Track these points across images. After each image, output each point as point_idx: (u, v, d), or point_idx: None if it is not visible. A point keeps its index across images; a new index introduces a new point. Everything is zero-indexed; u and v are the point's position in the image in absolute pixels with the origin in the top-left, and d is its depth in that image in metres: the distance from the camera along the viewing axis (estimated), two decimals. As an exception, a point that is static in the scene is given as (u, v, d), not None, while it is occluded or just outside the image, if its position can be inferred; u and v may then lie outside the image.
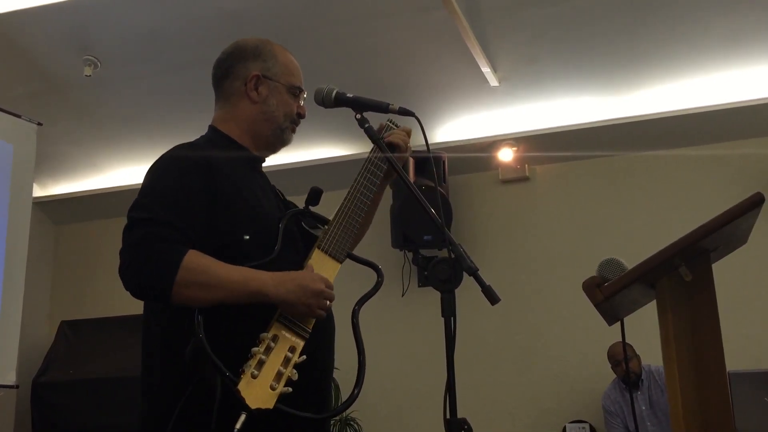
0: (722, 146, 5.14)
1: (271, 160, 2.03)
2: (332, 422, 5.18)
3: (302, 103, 1.97)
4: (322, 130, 5.38)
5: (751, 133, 5.08)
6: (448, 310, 1.78)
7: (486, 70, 4.77)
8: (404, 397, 5.39)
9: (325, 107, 1.98)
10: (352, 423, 5.21)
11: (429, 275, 1.82)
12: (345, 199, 1.86)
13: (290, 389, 1.58)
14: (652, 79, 4.88)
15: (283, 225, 1.77)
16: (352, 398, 1.73)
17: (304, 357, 1.64)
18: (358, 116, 1.93)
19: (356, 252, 1.98)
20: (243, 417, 1.50)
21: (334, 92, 1.95)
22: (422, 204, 1.85)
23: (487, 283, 1.74)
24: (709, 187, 5.08)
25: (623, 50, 4.69)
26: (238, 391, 1.51)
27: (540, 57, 4.79)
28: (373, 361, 6.08)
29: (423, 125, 1.89)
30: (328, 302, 1.71)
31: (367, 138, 1.94)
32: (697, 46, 4.60)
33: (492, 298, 1.73)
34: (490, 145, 5.38)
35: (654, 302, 1.94)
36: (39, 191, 6.10)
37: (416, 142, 5.89)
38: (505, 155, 5.40)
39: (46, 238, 6.34)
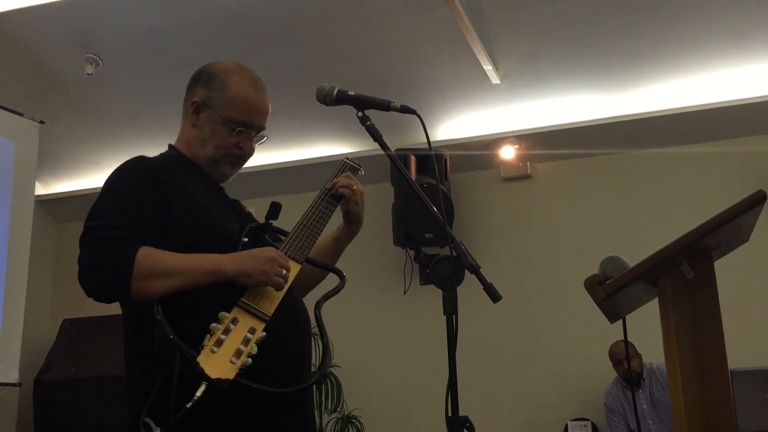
0: (724, 144, 5.14)
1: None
2: (335, 420, 5.18)
3: (250, 140, 1.92)
4: (323, 128, 5.38)
5: (753, 131, 5.07)
6: (450, 308, 1.77)
7: (488, 67, 4.77)
8: (406, 395, 5.39)
9: (327, 105, 1.98)
10: (353, 421, 5.21)
11: (430, 273, 1.81)
12: (301, 218, 1.91)
13: (250, 360, 1.60)
14: (654, 77, 4.88)
15: (243, 238, 1.81)
16: (320, 373, 1.79)
17: (264, 334, 1.66)
18: (360, 114, 1.93)
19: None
20: (203, 386, 1.54)
21: (336, 90, 1.95)
22: (424, 202, 1.85)
23: (489, 281, 1.74)
24: (711, 185, 5.07)
25: (625, 48, 4.69)
26: (197, 363, 1.54)
27: (541, 55, 4.79)
28: (375, 359, 6.07)
29: (425, 123, 1.89)
30: (284, 271, 1.72)
31: (369, 136, 1.95)
32: (698, 43, 4.60)
33: (494, 296, 1.73)
34: (492, 142, 5.38)
35: (656, 300, 1.94)
36: (41, 189, 6.11)
37: (418, 140, 5.87)
38: (507, 153, 5.40)
39: (48, 236, 6.35)
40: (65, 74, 5.10)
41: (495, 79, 4.89)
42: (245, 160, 1.96)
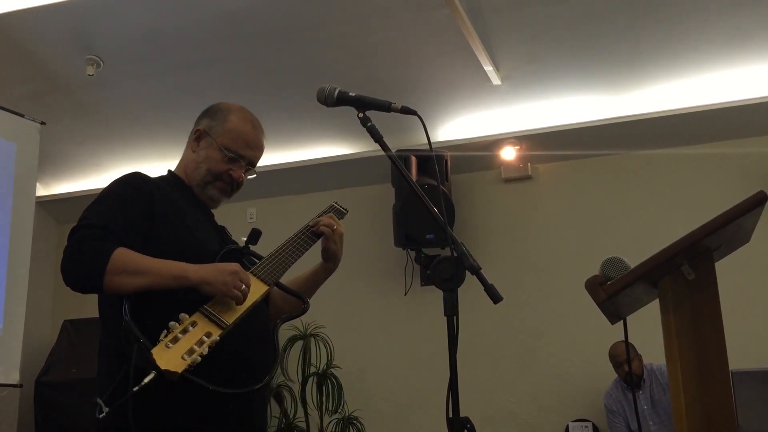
0: (725, 145, 5.14)
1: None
2: (336, 421, 5.18)
3: (242, 172, 2.08)
4: (324, 129, 5.38)
5: (754, 132, 5.07)
6: (451, 309, 1.78)
7: (488, 68, 4.77)
8: (406, 396, 5.39)
9: (327, 106, 1.99)
10: (354, 422, 5.21)
11: (431, 274, 1.81)
12: (279, 246, 2.06)
13: (200, 359, 1.71)
14: (655, 78, 4.88)
15: (219, 256, 1.95)
16: (266, 380, 1.88)
17: (218, 339, 1.77)
18: (361, 115, 1.94)
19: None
20: (152, 374, 1.66)
21: (336, 91, 1.97)
22: (424, 203, 1.85)
23: (490, 282, 1.74)
24: (712, 186, 5.07)
25: (625, 49, 4.69)
26: (151, 354, 1.67)
27: (542, 56, 4.79)
28: (376, 360, 6.06)
29: (425, 124, 1.90)
30: (243, 285, 1.84)
31: (370, 137, 1.95)
32: (698, 44, 4.60)
33: (494, 296, 1.73)
34: (493, 143, 5.38)
35: (656, 301, 1.94)
36: (42, 190, 6.11)
37: (419, 141, 5.87)
38: (508, 154, 5.40)
39: (49, 238, 6.34)
40: (66, 75, 5.10)
41: (496, 79, 4.89)
42: (234, 190, 2.12)
